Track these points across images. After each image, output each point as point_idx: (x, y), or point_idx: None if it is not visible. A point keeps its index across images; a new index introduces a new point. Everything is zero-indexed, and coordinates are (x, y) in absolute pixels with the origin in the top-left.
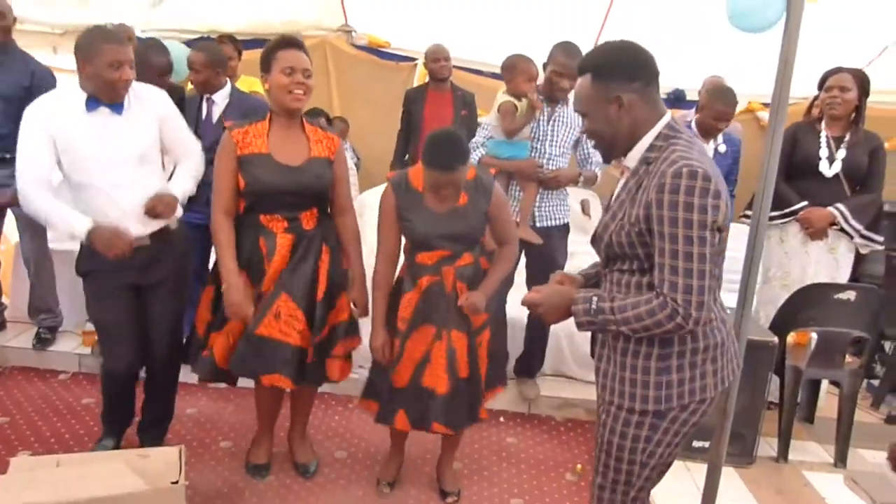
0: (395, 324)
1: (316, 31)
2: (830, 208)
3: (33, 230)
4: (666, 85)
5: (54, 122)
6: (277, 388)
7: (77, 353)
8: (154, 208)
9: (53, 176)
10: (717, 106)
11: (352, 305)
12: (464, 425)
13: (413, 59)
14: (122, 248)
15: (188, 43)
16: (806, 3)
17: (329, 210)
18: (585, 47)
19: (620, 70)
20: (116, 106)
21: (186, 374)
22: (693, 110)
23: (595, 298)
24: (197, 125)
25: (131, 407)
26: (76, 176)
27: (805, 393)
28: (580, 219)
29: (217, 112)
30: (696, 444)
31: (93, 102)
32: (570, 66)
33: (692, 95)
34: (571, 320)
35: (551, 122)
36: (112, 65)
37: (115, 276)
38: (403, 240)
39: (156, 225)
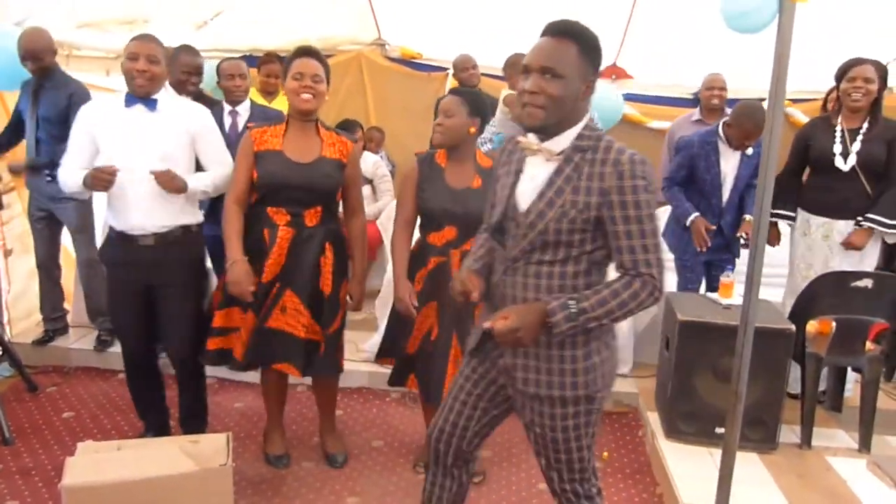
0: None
1: (351, 45)
2: (866, 224)
3: (82, 237)
4: (692, 86)
5: (95, 117)
6: (283, 380)
7: None
8: (158, 176)
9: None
10: (743, 127)
11: (347, 298)
12: None
13: (444, 69)
14: (104, 178)
15: None
16: (798, 4)
17: (336, 211)
18: (610, 55)
19: (598, 59)
20: (150, 103)
21: (237, 373)
22: (698, 109)
23: (572, 303)
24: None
25: (156, 397)
26: (105, 161)
27: (831, 382)
28: None
29: (242, 122)
30: (718, 430)
31: (130, 98)
32: None
33: None
34: None
35: None
36: (129, 57)
37: (126, 271)
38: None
39: (160, 222)
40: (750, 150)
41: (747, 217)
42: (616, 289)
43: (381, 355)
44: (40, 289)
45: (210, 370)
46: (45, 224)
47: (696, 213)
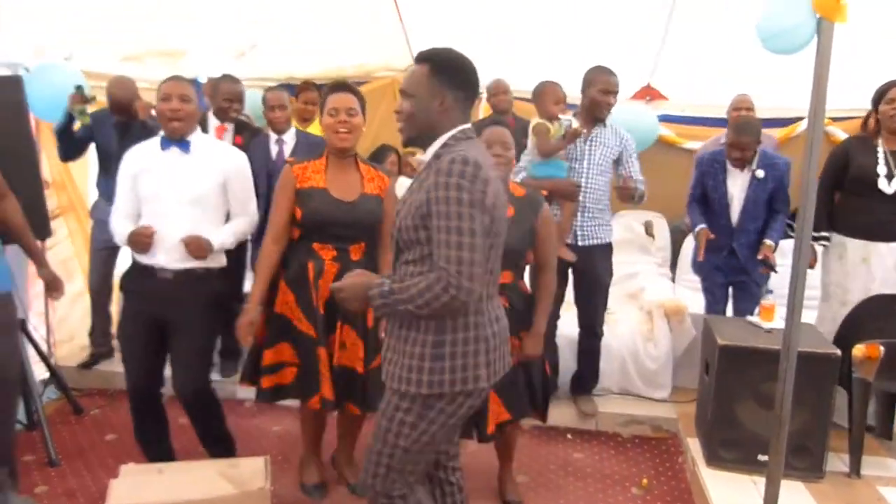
0: None
1: (385, 72)
2: None
3: None
4: (724, 105)
5: (136, 162)
6: (323, 411)
7: None
8: (188, 245)
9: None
10: (730, 135)
11: (381, 334)
12: (525, 414)
13: (478, 94)
14: (143, 242)
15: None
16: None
17: (377, 244)
18: (645, 76)
19: (455, 75)
20: (184, 145)
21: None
22: (726, 131)
23: (387, 282)
24: (268, 165)
25: (160, 432)
26: (143, 202)
27: (879, 408)
28: (643, 240)
29: (288, 151)
30: (761, 457)
31: (165, 141)
32: (613, 83)
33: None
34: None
35: (588, 143)
36: (163, 98)
37: (140, 301)
38: None
39: (183, 263)
40: (761, 173)
41: (767, 241)
42: (419, 280)
43: None
44: (92, 314)
45: (247, 392)
46: (107, 253)
47: (703, 225)
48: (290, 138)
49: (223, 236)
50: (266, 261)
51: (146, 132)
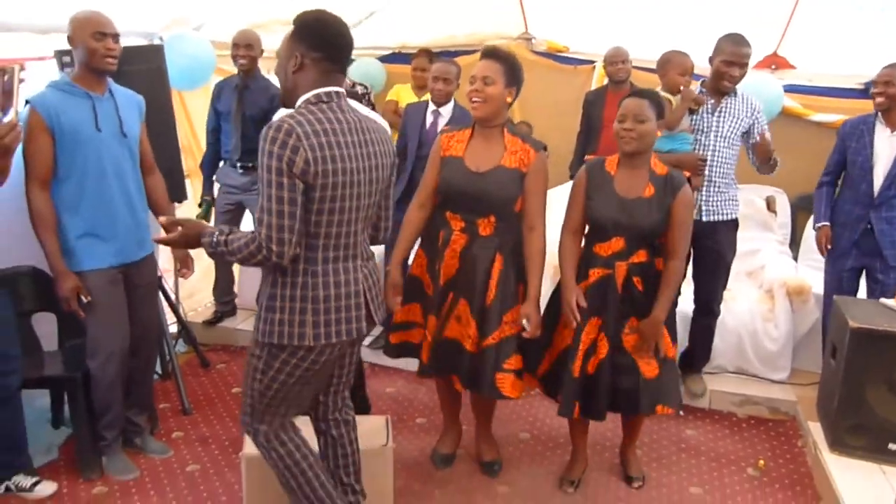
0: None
1: (498, 40)
2: None
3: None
4: (857, 74)
5: None
6: (456, 385)
7: None
8: None
9: None
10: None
11: (524, 322)
12: (675, 404)
13: (591, 62)
14: None
15: (381, 59)
16: None
17: (516, 221)
18: (772, 44)
19: (311, 37)
20: None
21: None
22: None
23: (216, 233)
24: (420, 133)
25: (359, 386)
26: None
27: None
28: (764, 215)
29: (442, 123)
30: (891, 446)
31: None
32: (740, 55)
33: None
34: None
35: (717, 114)
36: None
37: None
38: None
39: None
40: None
41: None
42: (244, 234)
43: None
44: (216, 273)
45: (367, 356)
46: (231, 215)
47: (826, 223)
48: (447, 112)
49: None
50: (408, 225)
51: (265, 92)
